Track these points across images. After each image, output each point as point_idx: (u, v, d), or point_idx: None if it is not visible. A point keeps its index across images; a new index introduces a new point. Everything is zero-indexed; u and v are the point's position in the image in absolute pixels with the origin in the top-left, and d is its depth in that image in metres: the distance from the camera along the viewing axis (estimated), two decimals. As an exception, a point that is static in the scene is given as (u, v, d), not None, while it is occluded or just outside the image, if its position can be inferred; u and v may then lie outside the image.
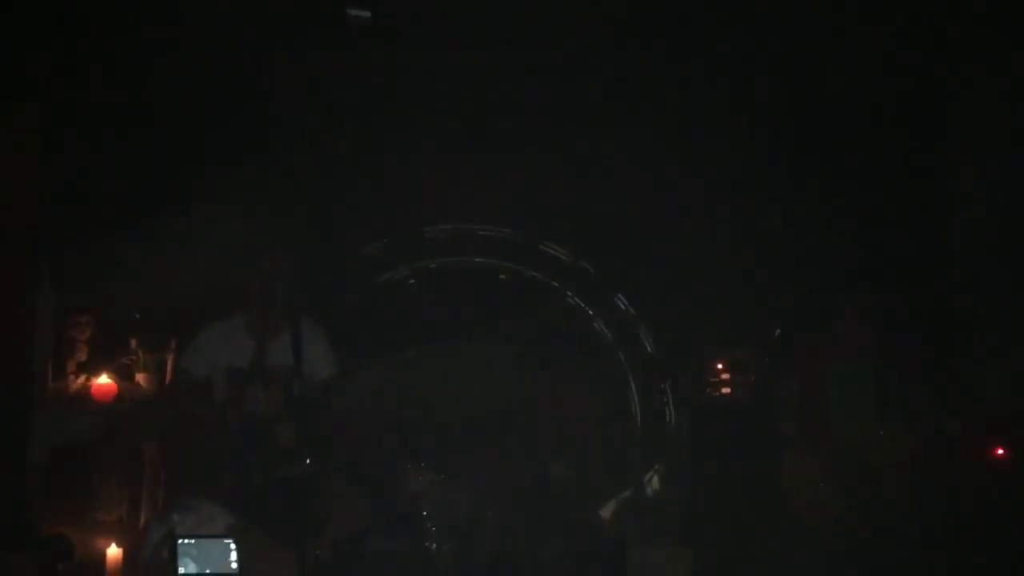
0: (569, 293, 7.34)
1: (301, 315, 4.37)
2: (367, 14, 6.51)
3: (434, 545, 5.92)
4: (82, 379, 5.77)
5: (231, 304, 4.54)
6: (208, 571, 2.99)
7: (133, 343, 5.82)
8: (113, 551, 5.65)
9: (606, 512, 7.06)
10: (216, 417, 4.27)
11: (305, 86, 7.01)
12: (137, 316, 6.40)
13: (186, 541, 3.08)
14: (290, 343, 4.26)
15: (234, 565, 2.67)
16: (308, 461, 5.61)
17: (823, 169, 6.95)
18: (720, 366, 6.72)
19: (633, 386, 7.25)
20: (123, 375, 5.75)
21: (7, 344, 5.64)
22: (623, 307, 7.27)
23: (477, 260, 7.27)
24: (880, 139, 6.76)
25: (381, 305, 7.22)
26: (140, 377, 5.78)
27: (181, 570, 3.00)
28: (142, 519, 5.55)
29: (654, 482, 7.10)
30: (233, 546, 2.71)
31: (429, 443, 6.69)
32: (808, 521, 4.65)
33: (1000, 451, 5.36)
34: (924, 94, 6.66)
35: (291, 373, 4.24)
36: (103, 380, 5.74)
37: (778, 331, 6.53)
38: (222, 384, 4.24)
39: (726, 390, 6.68)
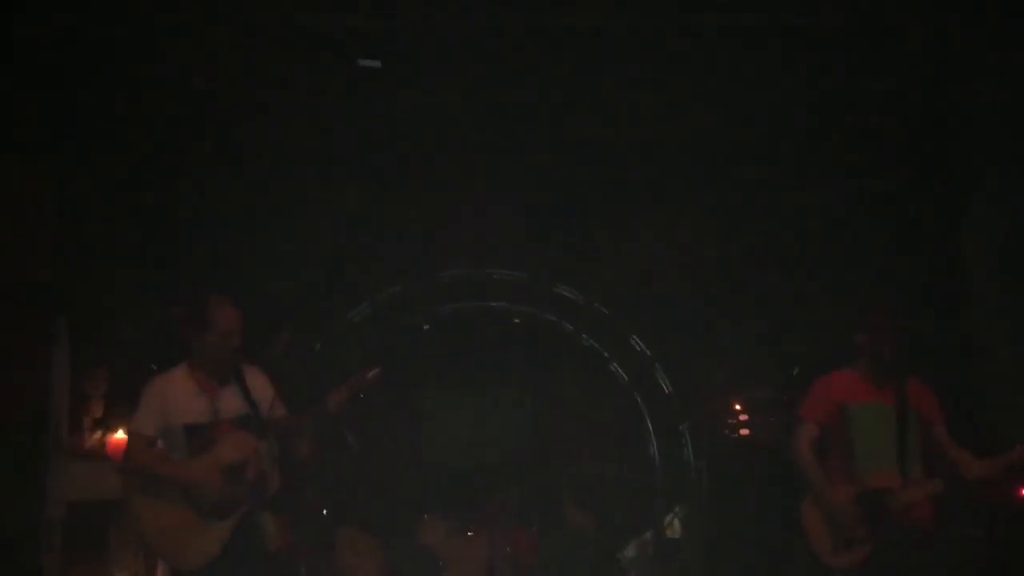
0: (584, 335, 7.31)
1: (241, 363, 4.30)
2: (376, 63, 6.57)
3: (452, 596, 5.85)
4: (98, 434, 5.76)
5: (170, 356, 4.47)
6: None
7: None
8: (130, 608, 5.63)
9: (626, 555, 6.98)
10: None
11: (318, 134, 7.07)
12: (154, 368, 6.41)
13: None
14: (239, 393, 4.21)
15: None
16: (324, 512, 5.62)
17: (838, 198, 6.91)
18: (738, 406, 6.66)
19: (651, 427, 7.19)
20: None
21: (23, 398, 5.64)
22: (639, 348, 7.23)
23: (491, 304, 7.26)
24: (894, 163, 6.72)
25: (396, 350, 7.22)
26: (155, 431, 5.75)
27: None
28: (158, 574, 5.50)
29: (674, 524, 7.02)
30: None
31: (444, 491, 6.65)
32: (831, 564, 4.55)
33: (1025, 491, 5.26)
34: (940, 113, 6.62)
35: (245, 422, 4.19)
36: (119, 435, 5.72)
37: (796, 369, 6.47)
38: (181, 440, 4.13)
39: (745, 431, 6.62)
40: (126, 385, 5.98)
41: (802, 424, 4.67)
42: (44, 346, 5.72)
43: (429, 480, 6.96)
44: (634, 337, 7.21)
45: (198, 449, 4.10)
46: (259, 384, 4.29)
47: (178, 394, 4.15)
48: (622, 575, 6.91)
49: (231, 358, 4.20)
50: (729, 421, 6.60)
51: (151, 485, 4.06)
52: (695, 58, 6.27)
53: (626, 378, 7.24)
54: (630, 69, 6.41)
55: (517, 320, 7.24)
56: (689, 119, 6.81)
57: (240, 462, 4.09)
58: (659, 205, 7.09)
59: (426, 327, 7.20)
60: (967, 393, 5.81)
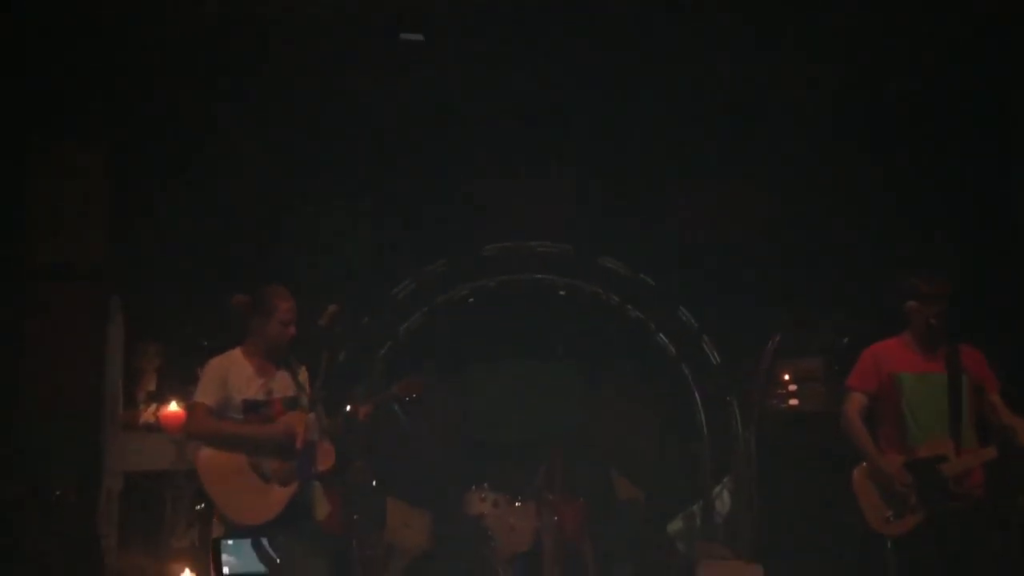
0: (630, 307, 7.26)
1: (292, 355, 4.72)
2: (419, 37, 6.57)
3: (499, 566, 5.89)
4: (152, 408, 5.89)
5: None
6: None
7: (199, 372, 5.91)
8: (186, 576, 5.76)
9: (674, 527, 6.97)
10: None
11: (363, 113, 7.11)
12: (205, 344, 6.53)
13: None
14: (289, 378, 4.61)
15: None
16: (374, 484, 5.73)
17: (888, 165, 6.80)
18: (787, 377, 6.58)
19: (698, 399, 7.14)
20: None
21: (79, 375, 5.80)
22: (686, 319, 7.17)
23: (537, 277, 7.23)
24: (947, 127, 6.59)
25: (443, 325, 7.24)
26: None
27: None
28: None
29: (723, 496, 6.98)
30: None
31: (492, 464, 6.68)
32: (883, 533, 4.50)
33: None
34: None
35: (294, 404, 4.56)
36: (172, 408, 5.85)
37: (846, 339, 6.38)
38: (238, 414, 4.50)
39: (794, 401, 6.54)
40: (179, 361, 6.12)
41: (851, 394, 4.63)
42: (99, 323, 5.86)
43: (477, 452, 7.00)
44: (681, 308, 7.14)
45: (257, 423, 4.48)
46: (302, 371, 4.68)
47: (238, 373, 4.52)
48: (670, 547, 6.90)
49: (287, 345, 4.56)
50: (778, 392, 6.52)
51: (217, 450, 4.40)
52: (738, 26, 6.20)
53: (673, 350, 7.18)
54: (672, 39, 6.35)
55: (562, 292, 7.21)
56: (736, 88, 6.74)
57: (295, 436, 4.40)
58: (704, 175, 7.02)
59: (471, 300, 7.21)
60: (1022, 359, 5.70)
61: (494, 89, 7.04)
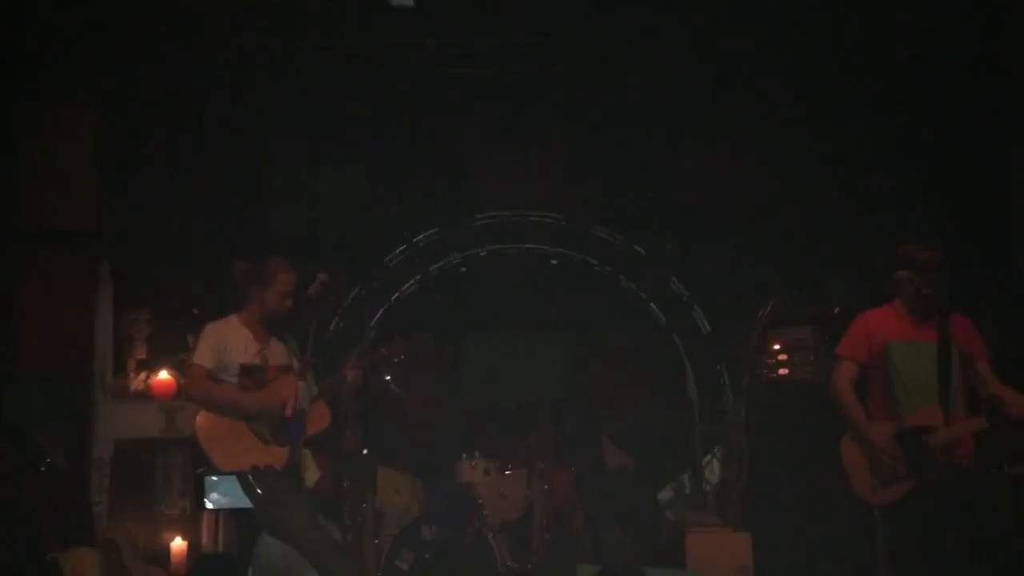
0: (622, 277, 7.26)
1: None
2: (409, 2, 6.50)
3: (489, 534, 5.91)
4: (143, 376, 5.88)
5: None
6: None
7: (190, 340, 5.89)
8: (178, 544, 5.78)
9: (664, 495, 7.01)
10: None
11: (353, 76, 7.05)
12: (196, 311, 6.51)
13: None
14: (281, 346, 4.75)
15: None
16: (365, 451, 5.75)
17: (879, 133, 6.78)
18: (778, 346, 6.59)
19: (689, 368, 7.15)
20: (182, 371, 5.83)
21: (69, 342, 5.78)
22: (677, 289, 7.17)
23: (528, 246, 7.22)
24: (938, 95, 6.57)
25: (434, 294, 7.24)
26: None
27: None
28: (204, 512, 5.63)
29: (713, 465, 7.02)
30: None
31: (482, 432, 6.70)
32: (871, 502, 4.53)
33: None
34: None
35: (287, 371, 4.70)
36: (163, 376, 5.84)
37: (837, 308, 6.39)
38: (233, 378, 4.62)
39: (784, 371, 6.55)
40: (168, 328, 6.09)
41: (841, 362, 4.65)
42: (89, 290, 5.83)
43: (468, 420, 7.02)
44: (672, 278, 7.14)
45: (252, 388, 4.61)
46: (290, 340, 4.82)
47: (235, 337, 4.64)
48: (661, 515, 6.94)
49: (283, 317, 4.68)
50: (768, 361, 6.54)
51: (215, 413, 4.55)
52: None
53: (664, 319, 7.19)
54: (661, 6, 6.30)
55: (554, 262, 7.20)
56: (726, 58, 6.70)
57: (286, 403, 4.60)
58: (697, 145, 7.00)
59: (463, 270, 7.20)
60: (1012, 329, 5.72)
61: (488, 57, 6.99)
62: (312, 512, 2.49)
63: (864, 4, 6.24)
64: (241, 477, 2.49)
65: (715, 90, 6.84)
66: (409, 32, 6.71)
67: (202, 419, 4.56)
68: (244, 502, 2.48)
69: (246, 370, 4.61)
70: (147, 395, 5.81)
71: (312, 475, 4.55)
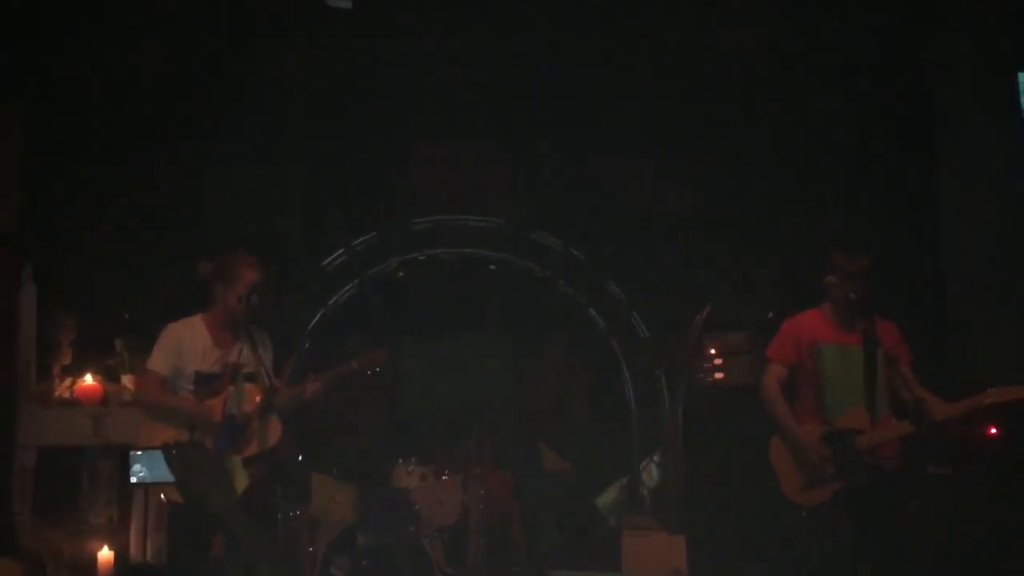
0: (561, 281, 7.27)
1: (253, 324, 4.52)
2: (347, 3, 6.46)
3: (426, 540, 5.87)
4: (67, 381, 5.73)
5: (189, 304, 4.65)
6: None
7: (118, 344, 5.77)
8: (104, 554, 5.64)
9: (603, 500, 7.02)
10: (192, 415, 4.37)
11: (290, 77, 6.98)
12: (127, 316, 6.37)
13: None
14: (248, 349, 4.41)
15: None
16: (300, 458, 5.64)
17: (810, 146, 6.90)
18: (714, 350, 6.65)
19: (627, 373, 7.18)
20: (108, 376, 5.71)
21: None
22: (615, 294, 7.19)
23: (466, 251, 7.19)
24: (866, 101, 6.70)
25: (371, 298, 7.17)
26: (125, 378, 5.74)
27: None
28: (132, 522, 5.51)
29: (651, 469, 7.05)
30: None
31: (419, 437, 6.64)
32: (798, 502, 4.57)
33: (993, 431, 5.30)
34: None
35: (253, 379, 4.42)
36: (88, 381, 5.70)
37: (771, 313, 6.45)
38: (189, 385, 4.36)
39: (720, 374, 6.61)
40: (94, 333, 5.95)
41: (770, 365, 4.70)
42: (11, 294, 5.67)
43: (403, 426, 6.96)
44: (611, 282, 7.16)
45: (206, 396, 4.32)
46: (265, 345, 4.52)
47: (194, 342, 4.36)
48: (599, 520, 6.95)
49: (248, 314, 4.37)
50: (705, 365, 6.60)
51: (160, 423, 4.25)
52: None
53: (602, 324, 7.21)
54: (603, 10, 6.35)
55: (493, 267, 7.18)
56: (662, 59, 6.75)
57: (248, 414, 4.33)
58: (632, 149, 7.04)
59: (401, 275, 7.14)
60: (935, 332, 5.84)
61: (425, 59, 6.97)
62: (240, 507, 2.43)
63: (794, 9, 6.34)
64: (165, 450, 2.43)
65: (652, 95, 6.90)
66: (346, 33, 6.68)
67: (145, 427, 4.31)
68: (167, 476, 2.44)
69: (201, 378, 4.34)
70: (72, 401, 5.67)
71: (241, 482, 4.34)
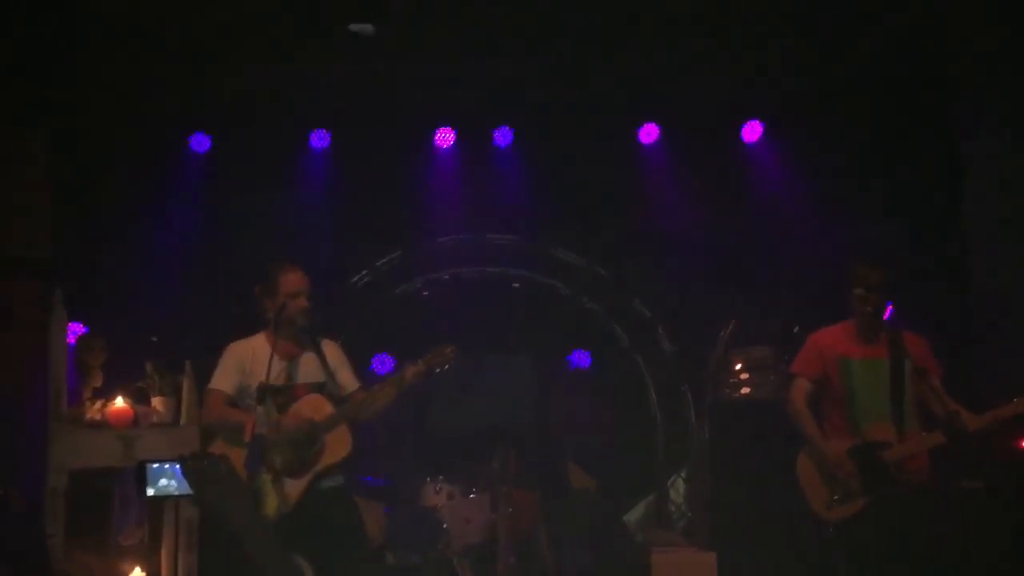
0: (585, 298, 7.28)
1: (320, 335, 4.49)
2: (370, 28, 6.53)
3: (454, 558, 5.87)
4: (98, 404, 5.78)
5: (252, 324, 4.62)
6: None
7: (148, 367, 5.83)
8: (136, 574, 5.67)
9: (630, 517, 7.00)
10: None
11: (311, 99, 7.06)
12: (154, 339, 6.45)
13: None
14: (316, 361, 4.36)
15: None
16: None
17: (836, 159, 6.90)
18: (739, 365, 6.63)
19: (652, 388, 7.17)
20: (139, 399, 5.76)
21: (23, 371, 5.68)
22: (639, 309, 7.19)
23: (489, 269, 7.22)
24: (885, 123, 6.69)
25: (396, 317, 7.21)
26: (156, 401, 5.78)
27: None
28: (163, 543, 5.55)
29: (677, 485, 7.02)
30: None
31: (447, 456, 6.66)
32: (826, 518, 4.54)
33: (1024, 443, 5.24)
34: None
35: (320, 389, 4.37)
36: (119, 404, 5.75)
37: (796, 328, 6.43)
38: (251, 402, 4.28)
39: (746, 389, 6.59)
40: (125, 356, 6.02)
41: (796, 380, 4.68)
42: (43, 317, 5.74)
43: (431, 444, 6.98)
44: (634, 298, 7.17)
45: (273, 411, 4.25)
46: (334, 355, 4.43)
47: (256, 357, 4.31)
48: (626, 537, 6.93)
49: (301, 320, 4.33)
50: (730, 380, 6.57)
51: (230, 440, 4.20)
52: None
53: (626, 339, 7.21)
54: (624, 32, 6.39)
55: (516, 284, 7.21)
56: (681, 69, 6.79)
57: (318, 425, 4.21)
58: (655, 164, 7.07)
59: (425, 293, 7.18)
60: (964, 344, 5.80)
61: (447, 81, 7.03)
62: (264, 525, 2.43)
63: (824, 25, 6.35)
64: (181, 461, 2.43)
65: (671, 107, 6.92)
66: (369, 58, 6.75)
67: (217, 447, 4.25)
68: (185, 488, 2.45)
69: (264, 391, 4.22)
70: (103, 424, 5.71)
71: (271, 503, 4.28)
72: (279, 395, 4.29)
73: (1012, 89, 6.18)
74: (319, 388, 4.34)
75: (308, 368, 4.37)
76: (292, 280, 4.35)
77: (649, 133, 7.28)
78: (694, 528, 6.66)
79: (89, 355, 5.85)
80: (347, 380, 4.45)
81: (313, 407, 4.27)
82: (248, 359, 4.34)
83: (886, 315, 4.50)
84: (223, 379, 4.35)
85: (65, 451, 5.55)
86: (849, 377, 4.53)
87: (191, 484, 2.36)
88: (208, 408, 4.37)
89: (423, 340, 7.06)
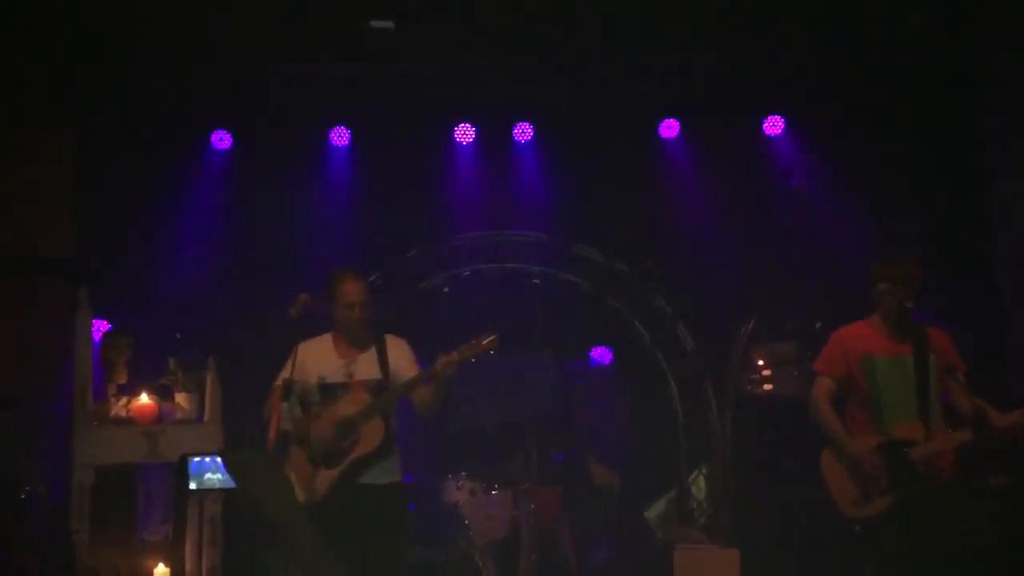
0: (605, 294, 7.26)
1: (385, 333, 4.69)
2: (390, 24, 6.54)
3: (477, 555, 5.88)
4: (123, 400, 5.83)
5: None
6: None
7: (171, 363, 5.87)
8: (161, 571, 5.72)
9: (651, 513, 6.99)
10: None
11: (332, 96, 7.08)
12: (178, 336, 6.50)
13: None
14: (375, 359, 4.56)
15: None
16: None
17: (860, 153, 6.85)
18: (761, 361, 6.61)
19: (674, 385, 7.15)
20: (163, 395, 5.80)
21: (49, 368, 5.73)
22: (660, 306, 7.17)
23: (510, 265, 7.22)
24: (908, 117, 6.64)
25: (418, 314, 7.22)
26: (180, 397, 5.82)
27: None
28: (187, 539, 5.58)
29: (699, 481, 7.01)
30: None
31: (469, 452, 6.67)
32: (851, 516, 4.51)
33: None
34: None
35: (377, 386, 4.54)
36: (144, 400, 5.79)
37: (818, 323, 6.40)
38: (315, 396, 4.54)
39: (768, 386, 6.57)
40: (150, 353, 6.06)
41: (819, 378, 4.65)
42: (68, 315, 5.79)
43: (453, 441, 6.99)
44: (656, 295, 7.15)
45: (330, 404, 4.49)
46: (396, 353, 4.61)
47: (319, 356, 4.57)
48: (648, 533, 6.92)
49: (357, 328, 4.54)
50: (753, 376, 6.55)
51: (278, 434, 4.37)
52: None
53: (648, 336, 7.19)
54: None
55: (537, 281, 7.20)
56: (701, 73, 6.76)
57: (352, 418, 4.41)
58: (676, 161, 7.05)
59: (446, 290, 7.19)
60: (987, 340, 5.75)
61: (467, 77, 7.03)
62: (305, 517, 2.43)
63: (845, 20, 6.31)
64: (223, 455, 2.46)
65: (695, 106, 6.90)
66: (389, 55, 6.76)
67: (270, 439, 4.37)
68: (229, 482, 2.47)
69: (325, 388, 4.52)
70: (128, 420, 5.76)
71: (299, 494, 4.39)
72: (336, 391, 4.50)
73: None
74: (376, 384, 4.52)
75: (366, 366, 4.57)
76: (348, 291, 4.56)
77: (670, 128, 7.28)
78: (716, 525, 6.64)
79: (114, 352, 5.89)
80: (404, 377, 4.58)
81: (355, 402, 4.46)
82: (310, 357, 4.56)
83: (911, 311, 4.46)
84: (284, 375, 4.53)
85: (90, 447, 5.61)
86: (874, 375, 4.49)
87: (234, 477, 2.38)
88: (268, 403, 4.56)
89: (445, 337, 7.14)
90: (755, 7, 6.17)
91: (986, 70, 6.50)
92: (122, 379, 5.92)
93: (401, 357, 4.61)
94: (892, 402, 4.47)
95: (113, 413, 5.78)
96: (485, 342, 4.45)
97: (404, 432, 4.80)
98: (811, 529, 5.62)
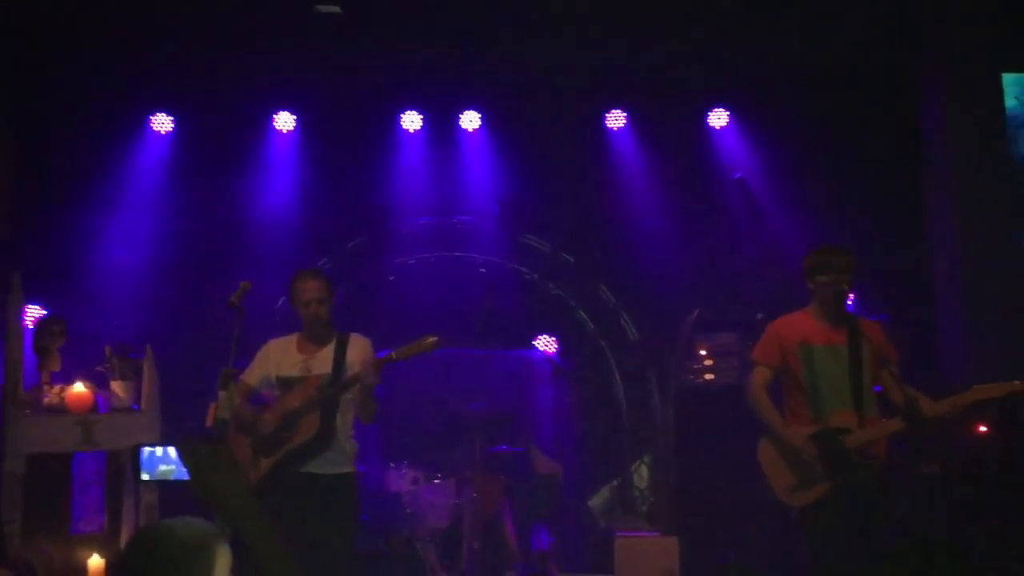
0: (551, 284, 7.28)
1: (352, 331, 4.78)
2: (336, 9, 6.47)
3: (419, 543, 5.87)
4: (57, 388, 5.70)
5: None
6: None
7: (107, 350, 5.75)
8: (95, 561, 5.61)
9: (594, 502, 7.03)
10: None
11: (276, 81, 7.00)
12: (115, 322, 6.37)
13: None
14: (332, 355, 4.66)
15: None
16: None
17: (802, 148, 6.94)
18: (703, 351, 6.67)
19: (617, 374, 7.20)
20: (99, 383, 5.69)
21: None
22: (605, 296, 7.21)
23: (456, 254, 7.20)
24: (850, 114, 6.74)
25: (361, 302, 7.17)
26: (116, 385, 5.71)
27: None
28: (122, 529, 5.49)
29: (641, 470, 7.06)
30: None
31: (411, 441, 6.64)
32: (789, 503, 4.57)
33: (983, 428, 5.31)
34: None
35: (328, 380, 4.62)
36: (78, 389, 5.67)
37: (760, 315, 6.47)
38: (275, 390, 4.72)
39: (710, 375, 6.63)
40: (85, 340, 5.94)
41: (756, 367, 4.70)
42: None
43: (395, 429, 6.95)
44: (600, 285, 7.18)
45: (281, 397, 4.66)
46: (355, 351, 4.67)
47: (281, 352, 4.75)
48: (590, 521, 6.96)
49: (318, 321, 4.66)
50: (695, 366, 6.62)
51: (241, 425, 4.65)
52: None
53: (592, 325, 7.23)
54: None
55: (483, 270, 7.20)
56: (654, 63, 6.79)
57: (296, 410, 4.55)
58: (621, 151, 7.08)
59: (391, 278, 7.15)
60: (919, 331, 5.86)
61: (415, 64, 6.98)
62: (256, 506, 2.39)
63: (790, 18, 6.37)
64: (176, 445, 2.44)
65: (642, 98, 6.93)
66: (335, 40, 6.69)
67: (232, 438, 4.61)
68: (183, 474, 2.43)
69: (282, 382, 4.67)
70: (62, 408, 5.63)
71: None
72: (292, 385, 4.62)
73: (973, 75, 6.25)
74: (327, 380, 4.61)
75: (322, 362, 4.66)
76: (303, 288, 4.69)
77: (616, 119, 7.31)
78: (657, 513, 6.70)
79: (48, 339, 5.76)
80: (359, 364, 4.59)
81: (302, 395, 4.57)
82: (273, 354, 4.74)
83: (848, 302, 4.52)
84: (249, 372, 4.75)
85: (22, 436, 5.48)
86: (811, 363, 4.55)
87: (187, 466, 2.33)
88: (236, 397, 4.63)
89: (391, 326, 7.10)
90: (702, 1, 6.21)
91: (924, 66, 6.61)
92: (55, 366, 5.79)
93: (358, 356, 4.64)
94: (828, 391, 4.53)
95: (46, 401, 5.65)
96: (425, 343, 4.51)
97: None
98: (751, 516, 5.68)
